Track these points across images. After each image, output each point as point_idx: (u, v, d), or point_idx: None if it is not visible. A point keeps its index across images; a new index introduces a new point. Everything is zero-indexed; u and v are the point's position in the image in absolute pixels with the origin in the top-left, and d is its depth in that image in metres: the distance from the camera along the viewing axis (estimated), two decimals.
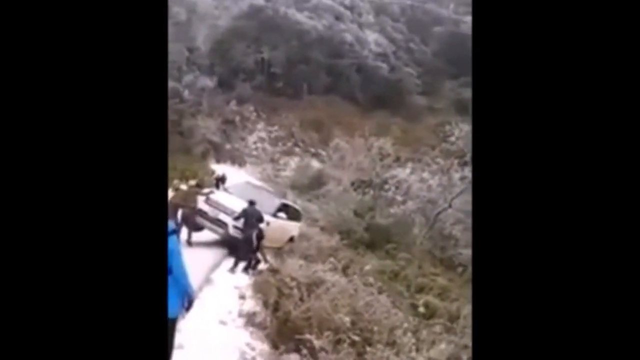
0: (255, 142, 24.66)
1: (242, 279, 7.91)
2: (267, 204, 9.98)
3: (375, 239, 13.46)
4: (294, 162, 24.08)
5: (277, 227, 9.90)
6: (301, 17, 28.10)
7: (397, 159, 19.15)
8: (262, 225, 9.11)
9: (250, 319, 6.38)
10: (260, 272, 8.55)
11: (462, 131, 14.07)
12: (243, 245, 8.84)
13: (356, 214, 14.94)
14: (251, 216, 9.04)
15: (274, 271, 8.28)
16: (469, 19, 32.60)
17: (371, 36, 28.67)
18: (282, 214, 10.16)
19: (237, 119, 24.93)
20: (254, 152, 24.49)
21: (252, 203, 9.19)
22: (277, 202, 10.59)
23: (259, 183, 14.08)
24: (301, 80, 26.44)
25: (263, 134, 25.53)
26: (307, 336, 5.45)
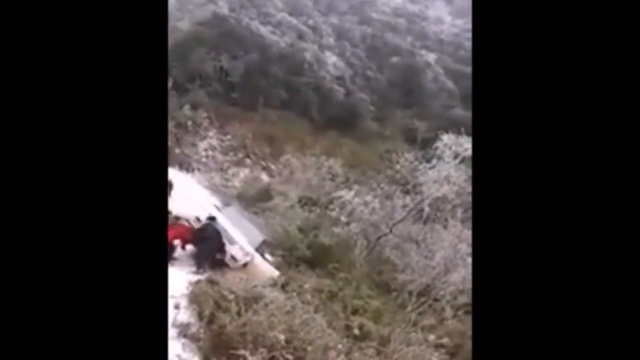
0: (206, 150, 24.28)
1: (179, 288, 7.79)
2: (251, 236, 10.25)
3: (317, 257, 13.58)
4: (243, 173, 23.90)
5: (259, 267, 9.94)
6: (264, 30, 28.28)
7: (346, 180, 19.51)
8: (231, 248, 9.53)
9: (183, 330, 6.31)
10: (198, 282, 8.45)
11: (406, 160, 14.67)
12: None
13: (301, 231, 15.03)
14: (210, 231, 9.40)
15: (212, 282, 8.21)
16: (424, 52, 34.11)
17: (330, 58, 29.28)
18: (268, 256, 10.34)
19: (190, 123, 24.49)
20: (204, 159, 24.08)
21: (212, 219, 9.56)
22: (261, 237, 10.85)
23: (245, 213, 13.86)
24: (258, 92, 26.46)
25: (214, 142, 25.18)
26: (241, 351, 5.48)
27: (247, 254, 9.91)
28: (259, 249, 10.45)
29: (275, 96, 27.11)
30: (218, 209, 11.21)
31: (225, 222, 10.39)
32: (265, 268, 10.15)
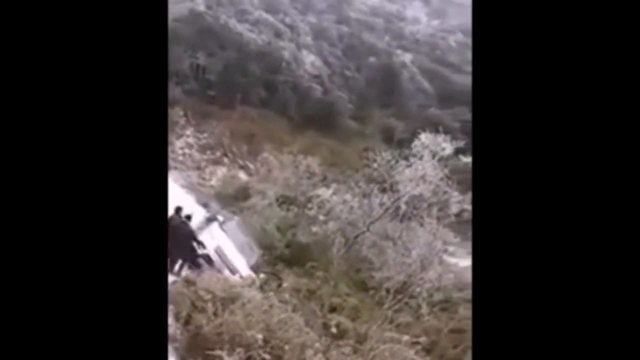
0: (182, 148, 23.97)
1: None
2: (249, 254, 10.13)
3: (295, 256, 13.60)
4: (221, 171, 23.68)
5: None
6: (241, 28, 28.08)
7: (324, 179, 19.54)
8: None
9: None
10: (174, 282, 8.36)
11: (383, 159, 14.83)
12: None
13: (278, 229, 15.01)
14: (178, 229, 9.17)
15: (188, 283, 8.13)
16: (400, 52, 34.44)
17: (308, 57, 29.28)
18: (262, 275, 10.27)
19: None
20: (180, 158, 23.75)
21: (189, 217, 9.35)
22: (257, 254, 10.77)
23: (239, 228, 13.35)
24: (235, 90, 26.27)
25: (191, 140, 24.87)
26: (218, 352, 5.46)
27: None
28: (254, 266, 10.43)
29: (253, 94, 26.96)
30: (219, 222, 11.06)
31: (227, 242, 10.23)
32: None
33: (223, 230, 10.74)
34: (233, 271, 9.87)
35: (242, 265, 10.07)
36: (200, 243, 9.59)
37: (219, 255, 9.88)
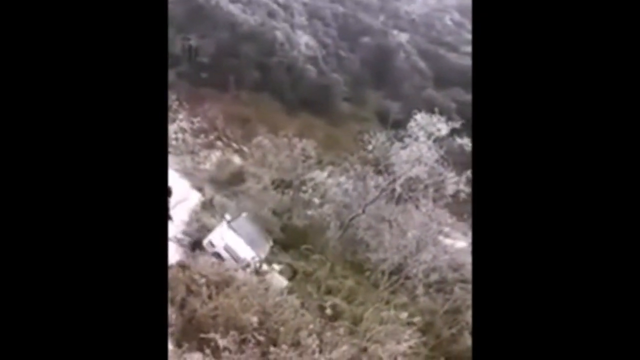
0: (175, 132, 23.70)
1: None
2: (260, 243, 10.20)
3: (290, 239, 13.60)
4: (215, 156, 23.51)
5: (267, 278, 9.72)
6: (234, 8, 27.60)
7: (319, 162, 19.44)
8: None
9: None
10: (170, 266, 8.33)
11: (378, 141, 14.72)
12: None
13: (274, 213, 14.97)
14: None
15: (183, 267, 8.11)
16: (396, 32, 34.01)
17: (302, 38, 28.88)
18: (275, 265, 10.31)
19: None
20: (174, 142, 23.52)
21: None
22: (268, 245, 10.83)
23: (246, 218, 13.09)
24: (229, 72, 25.95)
25: (184, 124, 24.60)
26: (212, 335, 5.44)
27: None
28: (267, 258, 10.48)
29: (247, 76, 26.65)
30: (227, 222, 11.06)
31: (236, 239, 10.25)
32: (272, 278, 10.04)
33: (231, 228, 10.75)
34: (237, 260, 9.98)
35: (248, 254, 10.14)
36: (210, 242, 9.91)
37: (229, 253, 10.00)
